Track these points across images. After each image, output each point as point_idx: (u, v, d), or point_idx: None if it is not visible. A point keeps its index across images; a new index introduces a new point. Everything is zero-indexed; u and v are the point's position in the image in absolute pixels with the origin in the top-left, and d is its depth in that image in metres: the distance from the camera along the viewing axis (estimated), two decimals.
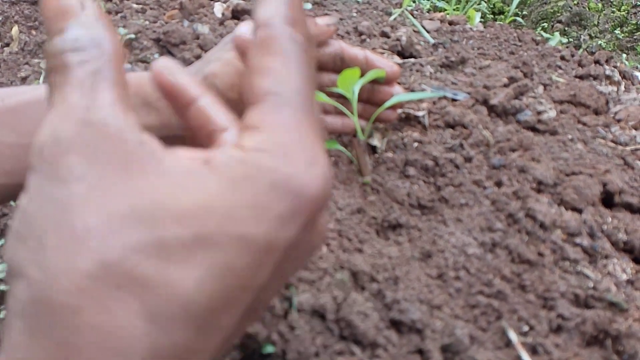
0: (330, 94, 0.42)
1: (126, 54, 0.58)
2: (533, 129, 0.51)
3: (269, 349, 0.29)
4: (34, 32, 0.71)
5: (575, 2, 1.06)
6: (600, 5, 1.05)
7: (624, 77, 0.65)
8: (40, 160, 0.17)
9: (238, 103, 0.38)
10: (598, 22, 1.01)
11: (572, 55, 0.70)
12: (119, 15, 0.67)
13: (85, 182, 0.16)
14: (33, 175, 0.17)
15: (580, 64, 0.68)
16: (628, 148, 0.51)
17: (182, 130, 0.40)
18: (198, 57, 0.58)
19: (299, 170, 0.17)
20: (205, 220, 0.16)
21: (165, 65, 0.21)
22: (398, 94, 0.44)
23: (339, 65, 0.43)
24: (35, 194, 0.16)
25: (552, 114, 0.52)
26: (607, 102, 0.58)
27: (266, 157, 0.17)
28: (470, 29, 0.74)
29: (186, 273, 0.15)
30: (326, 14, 0.74)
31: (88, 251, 0.15)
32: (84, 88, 0.17)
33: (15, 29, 0.72)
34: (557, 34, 0.86)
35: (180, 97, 0.21)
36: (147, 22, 0.64)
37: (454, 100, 0.52)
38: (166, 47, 0.58)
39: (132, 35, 0.59)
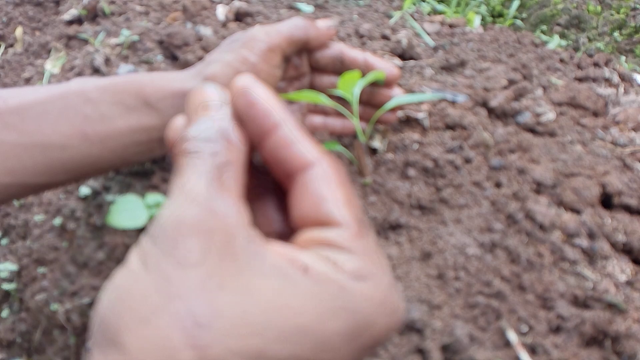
0: (331, 96, 0.42)
1: (129, 55, 0.58)
2: (532, 131, 0.51)
3: None
4: (37, 33, 0.71)
5: (574, 5, 1.06)
6: (599, 8, 1.05)
7: (622, 79, 0.65)
8: (162, 234, 0.17)
9: None
10: (597, 25, 1.02)
11: (571, 58, 0.70)
12: (122, 17, 0.68)
13: (200, 270, 0.16)
14: (150, 244, 0.18)
15: (579, 67, 0.68)
16: (627, 150, 0.51)
17: None
18: (200, 58, 0.58)
19: (390, 316, 0.18)
20: (303, 343, 0.17)
21: (250, 83, 0.21)
22: (398, 96, 0.44)
23: (339, 67, 0.43)
24: (150, 266, 0.17)
25: (551, 116, 0.52)
26: (606, 104, 0.59)
27: (364, 288, 0.18)
28: (470, 31, 0.74)
29: None
30: (327, 17, 0.74)
31: (192, 342, 0.15)
32: (211, 178, 0.18)
33: (19, 30, 0.73)
34: (556, 36, 0.86)
35: (262, 121, 0.21)
36: (150, 24, 0.64)
37: (453, 102, 0.52)
38: (169, 48, 0.58)
39: (136, 37, 0.59)
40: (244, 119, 0.21)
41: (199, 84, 0.22)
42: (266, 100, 0.21)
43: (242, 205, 0.19)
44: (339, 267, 0.18)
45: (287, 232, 0.23)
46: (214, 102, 0.21)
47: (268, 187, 0.23)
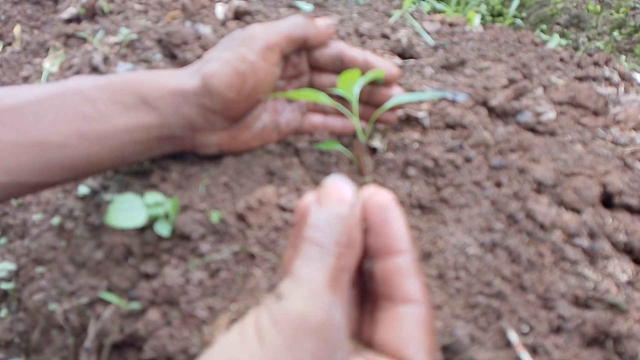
0: (330, 95, 0.42)
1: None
2: (533, 130, 0.51)
3: None
4: (36, 31, 0.71)
5: (574, 4, 1.06)
6: (598, 7, 1.05)
7: (623, 78, 0.65)
8: (285, 324, 0.19)
9: (235, 102, 0.38)
10: (596, 25, 1.02)
11: (571, 57, 0.70)
12: (121, 15, 0.68)
13: None
14: (272, 326, 0.19)
15: (579, 66, 0.68)
16: (627, 149, 0.51)
17: (182, 130, 0.40)
18: (200, 57, 0.58)
19: None
20: None
21: (391, 201, 0.23)
22: (398, 95, 0.44)
23: (338, 66, 0.43)
24: (268, 347, 0.18)
25: (552, 115, 0.52)
26: (606, 104, 0.58)
27: None
28: (470, 30, 0.74)
29: None
30: (327, 15, 0.74)
31: None
32: (333, 279, 0.20)
33: (17, 29, 0.72)
34: (556, 35, 0.86)
35: (391, 241, 0.22)
36: (149, 23, 0.64)
37: (454, 101, 0.52)
38: (168, 47, 0.58)
39: (135, 36, 0.59)
40: (374, 231, 0.22)
41: (337, 177, 0.23)
42: (401, 225, 0.22)
43: (348, 313, 0.21)
44: None
45: (358, 337, 0.24)
46: (347, 199, 0.22)
47: (353, 284, 0.25)
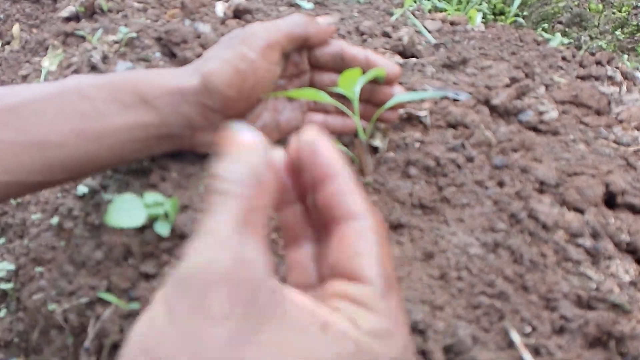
0: (331, 94, 0.42)
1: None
2: (535, 129, 0.50)
3: None
4: (35, 30, 0.71)
5: (576, 3, 1.06)
6: (600, 6, 1.04)
7: (625, 77, 0.65)
8: (191, 283, 0.17)
9: (235, 101, 0.38)
10: (598, 23, 1.01)
11: (574, 56, 0.70)
12: (120, 13, 0.67)
13: (228, 324, 0.16)
14: (178, 293, 0.17)
15: (581, 65, 0.68)
16: (630, 149, 0.50)
17: (181, 129, 0.40)
18: (199, 56, 0.57)
19: None
20: None
21: (316, 133, 0.23)
22: (399, 94, 0.44)
23: (339, 64, 0.43)
24: (178, 318, 0.16)
25: (554, 114, 0.52)
26: (609, 103, 0.58)
27: (380, 346, 0.19)
28: (472, 29, 0.74)
29: None
30: (327, 14, 0.74)
31: None
32: (241, 222, 0.18)
33: (16, 27, 0.72)
34: (558, 34, 0.86)
35: (323, 169, 0.22)
36: (148, 21, 0.64)
37: (455, 100, 0.52)
38: (167, 45, 0.58)
39: (134, 34, 0.59)
40: (307, 166, 0.22)
41: (233, 124, 0.22)
42: (330, 151, 0.22)
43: (267, 252, 0.19)
44: (358, 325, 0.19)
45: (318, 284, 0.23)
46: (248, 143, 0.21)
47: (308, 237, 0.24)
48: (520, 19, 0.98)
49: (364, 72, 0.41)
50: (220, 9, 0.69)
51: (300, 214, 0.24)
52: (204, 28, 0.62)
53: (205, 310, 0.16)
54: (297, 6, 0.77)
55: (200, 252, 0.17)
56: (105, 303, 0.37)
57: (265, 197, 0.20)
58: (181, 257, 0.18)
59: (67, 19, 0.73)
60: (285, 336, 0.17)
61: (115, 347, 0.36)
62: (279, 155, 0.24)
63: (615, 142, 0.52)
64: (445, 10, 0.87)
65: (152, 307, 0.17)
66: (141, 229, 0.38)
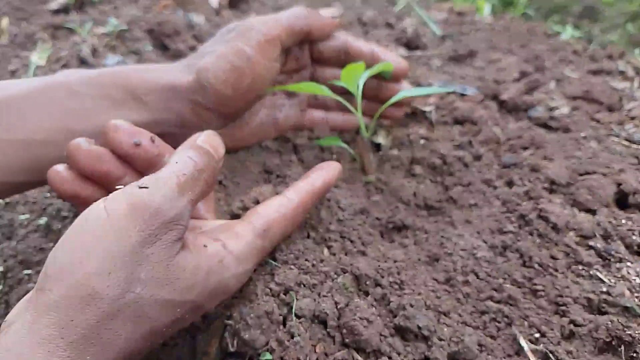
0: (333, 89, 0.40)
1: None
2: (545, 126, 0.49)
3: (267, 356, 0.28)
4: (24, 24, 0.69)
5: None
6: None
7: (637, 72, 0.63)
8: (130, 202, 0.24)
9: (231, 99, 0.36)
10: (610, 16, 0.98)
11: (585, 50, 0.68)
12: (110, 5, 0.66)
13: (139, 236, 0.24)
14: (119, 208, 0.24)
15: (592, 59, 0.66)
16: None
17: (174, 127, 0.39)
18: (193, 48, 0.56)
19: (238, 285, 0.30)
20: (197, 291, 0.27)
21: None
22: (404, 90, 0.42)
23: (343, 59, 0.41)
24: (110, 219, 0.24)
25: (565, 110, 0.50)
26: (620, 99, 0.56)
27: (232, 264, 0.29)
28: (480, 20, 0.72)
29: None
30: (328, 4, 0.72)
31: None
32: (188, 184, 0.26)
33: (4, 21, 0.71)
34: (568, 27, 0.84)
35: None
36: (139, 12, 0.62)
37: (462, 95, 0.51)
38: (159, 38, 0.56)
39: (124, 26, 0.57)
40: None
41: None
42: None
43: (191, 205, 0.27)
44: (226, 247, 0.28)
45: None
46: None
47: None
48: (530, 11, 0.95)
49: (369, 67, 0.40)
50: None
51: None
52: (198, 19, 0.60)
53: (132, 223, 0.23)
54: None
55: (153, 193, 0.24)
56: None
57: (215, 168, 0.28)
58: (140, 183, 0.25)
59: (56, 11, 0.72)
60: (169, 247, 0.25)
61: None
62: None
63: (627, 139, 0.50)
64: (452, 0, 0.85)
65: (86, 212, 0.24)
66: None
